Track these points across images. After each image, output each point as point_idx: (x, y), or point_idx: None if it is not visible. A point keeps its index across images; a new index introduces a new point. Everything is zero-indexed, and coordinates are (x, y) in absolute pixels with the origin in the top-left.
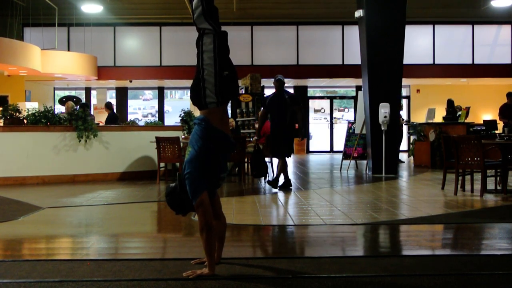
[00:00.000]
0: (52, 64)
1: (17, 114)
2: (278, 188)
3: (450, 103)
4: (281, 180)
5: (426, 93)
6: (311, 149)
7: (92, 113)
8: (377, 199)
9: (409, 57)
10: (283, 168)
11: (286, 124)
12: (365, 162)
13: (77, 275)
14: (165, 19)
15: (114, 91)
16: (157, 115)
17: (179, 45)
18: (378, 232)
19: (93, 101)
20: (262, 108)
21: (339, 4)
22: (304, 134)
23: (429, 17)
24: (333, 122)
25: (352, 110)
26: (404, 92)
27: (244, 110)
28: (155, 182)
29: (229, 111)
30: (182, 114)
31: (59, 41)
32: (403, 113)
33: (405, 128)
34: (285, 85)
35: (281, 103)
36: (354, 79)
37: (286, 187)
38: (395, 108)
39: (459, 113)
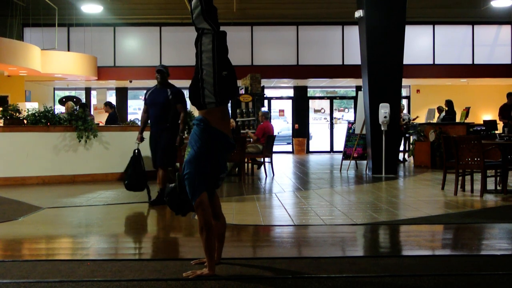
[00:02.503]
0: (52, 64)
1: (17, 114)
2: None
3: (449, 103)
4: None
5: (426, 93)
6: (311, 149)
7: (92, 113)
8: (377, 199)
9: (409, 57)
10: (164, 180)
11: (167, 125)
12: (365, 162)
13: (77, 275)
14: (165, 19)
15: (114, 91)
16: None
17: (179, 45)
18: (378, 232)
19: (93, 101)
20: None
21: (339, 4)
22: (182, 141)
23: (429, 17)
24: (333, 122)
25: (352, 110)
26: (404, 92)
27: (244, 110)
28: (155, 182)
29: (229, 111)
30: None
31: (59, 41)
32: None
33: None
34: (286, 85)
35: (161, 98)
36: (354, 79)
37: (159, 203)
38: (395, 108)
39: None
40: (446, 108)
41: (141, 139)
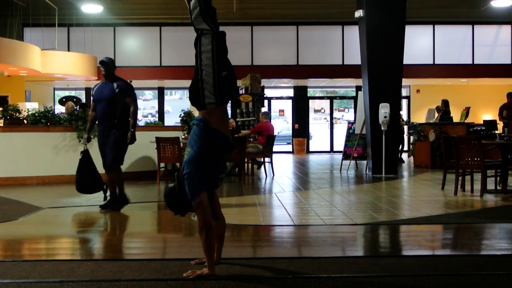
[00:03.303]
0: (52, 64)
1: (17, 114)
2: (108, 208)
3: (446, 102)
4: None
5: (426, 93)
6: (311, 149)
7: None
8: (377, 199)
9: (409, 57)
10: (118, 180)
11: (114, 122)
12: (365, 162)
13: (77, 275)
14: (165, 19)
15: None
16: (157, 115)
17: (179, 45)
18: (378, 232)
19: None
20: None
21: (339, 4)
22: (133, 137)
23: (429, 17)
24: (333, 122)
25: (352, 110)
26: (404, 92)
27: (244, 110)
28: (155, 182)
29: (229, 111)
30: (182, 114)
31: (59, 41)
32: (403, 113)
33: (404, 128)
34: (286, 85)
35: (107, 93)
36: (354, 79)
37: (121, 204)
38: (395, 108)
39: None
40: (443, 108)
41: (88, 139)
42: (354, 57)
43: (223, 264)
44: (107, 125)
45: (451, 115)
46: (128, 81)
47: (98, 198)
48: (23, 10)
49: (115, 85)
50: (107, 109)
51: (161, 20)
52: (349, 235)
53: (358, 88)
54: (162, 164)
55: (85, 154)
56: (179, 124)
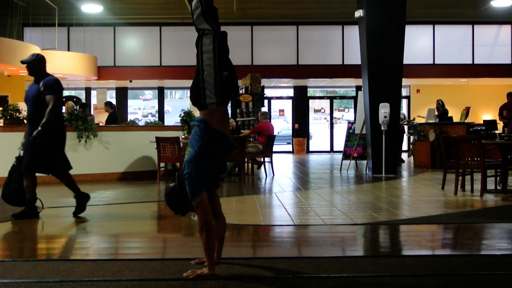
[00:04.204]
0: (52, 64)
1: (17, 114)
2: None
3: (442, 103)
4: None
5: (426, 93)
6: (311, 149)
7: (92, 113)
8: (377, 199)
9: (409, 57)
10: (71, 184)
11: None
12: (365, 162)
13: (77, 275)
14: (165, 19)
15: (114, 91)
16: (157, 115)
17: (179, 45)
18: (378, 232)
19: (93, 101)
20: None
21: (339, 4)
22: (39, 137)
23: (429, 17)
24: (333, 122)
25: (352, 110)
26: (404, 92)
27: (244, 110)
28: (155, 182)
29: (229, 111)
30: (182, 114)
31: (59, 41)
32: (404, 113)
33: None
34: (286, 85)
35: (32, 93)
36: (354, 79)
37: (26, 214)
38: (395, 108)
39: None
40: (441, 108)
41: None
42: (354, 57)
43: (223, 264)
44: (35, 127)
45: (445, 115)
46: (128, 81)
47: (98, 198)
48: (23, 10)
49: (41, 83)
50: (33, 110)
51: (161, 20)
52: (349, 235)
53: (358, 88)
54: (162, 164)
55: (19, 161)
56: (179, 124)
